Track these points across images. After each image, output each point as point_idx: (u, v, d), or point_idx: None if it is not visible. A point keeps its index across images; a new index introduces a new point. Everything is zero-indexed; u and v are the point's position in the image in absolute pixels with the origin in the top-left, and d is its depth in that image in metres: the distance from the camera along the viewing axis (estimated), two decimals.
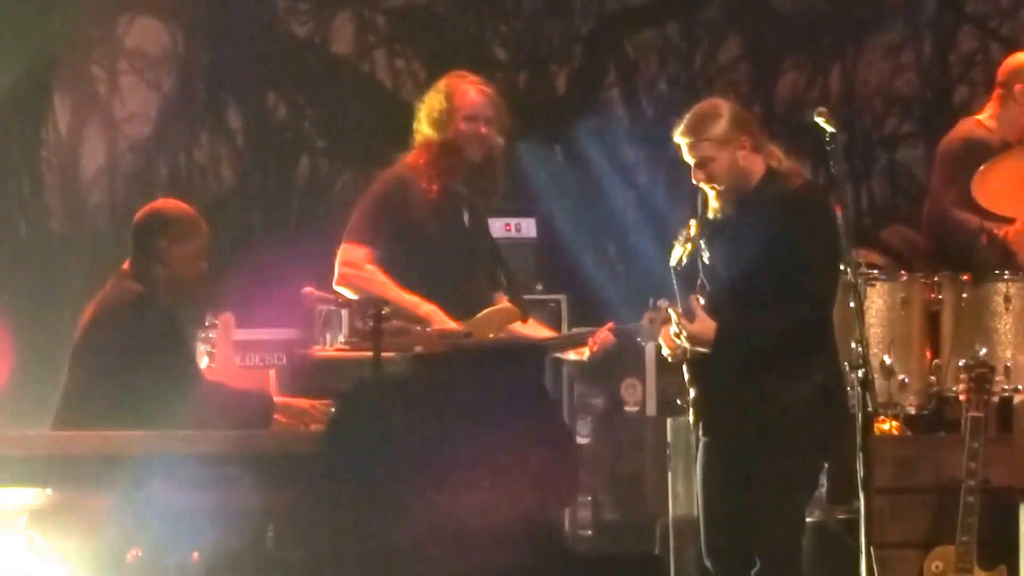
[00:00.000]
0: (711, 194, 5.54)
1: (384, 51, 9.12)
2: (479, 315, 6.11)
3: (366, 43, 9.18)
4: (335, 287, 6.08)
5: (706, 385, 5.55)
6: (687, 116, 5.55)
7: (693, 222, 5.52)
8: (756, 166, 5.54)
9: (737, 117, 5.55)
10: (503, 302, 6.21)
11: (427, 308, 6.02)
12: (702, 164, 5.50)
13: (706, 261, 5.53)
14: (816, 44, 9.09)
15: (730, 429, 5.54)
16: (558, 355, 6.31)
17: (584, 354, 6.17)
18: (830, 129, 5.83)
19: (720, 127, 5.50)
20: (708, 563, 5.62)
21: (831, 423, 5.64)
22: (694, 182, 5.54)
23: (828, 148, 5.99)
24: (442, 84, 6.26)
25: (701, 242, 5.55)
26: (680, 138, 5.53)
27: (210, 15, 8.76)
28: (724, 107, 5.57)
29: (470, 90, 6.22)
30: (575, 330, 6.43)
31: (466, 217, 6.27)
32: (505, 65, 9.05)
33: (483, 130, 6.22)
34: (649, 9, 9.11)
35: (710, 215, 5.55)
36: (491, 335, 6.04)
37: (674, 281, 5.53)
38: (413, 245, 6.14)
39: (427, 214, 6.16)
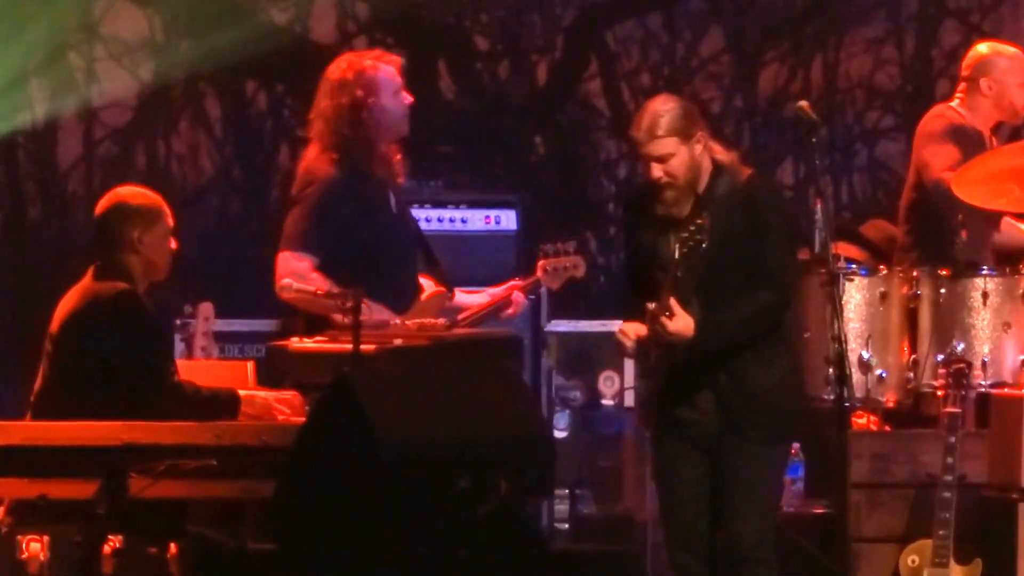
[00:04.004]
0: (666, 190, 5.60)
1: (365, 39, 9.16)
2: (416, 306, 6.15)
3: (347, 31, 9.22)
4: (280, 297, 6.07)
5: (675, 375, 5.62)
6: (646, 112, 5.62)
7: (706, 214, 5.54)
8: (706, 161, 5.65)
9: (692, 113, 5.65)
10: (431, 284, 6.27)
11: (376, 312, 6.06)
12: (662, 160, 5.58)
13: (660, 255, 5.62)
14: (798, 36, 9.15)
15: (700, 418, 5.62)
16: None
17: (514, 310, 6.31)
18: (813, 121, 5.92)
19: (681, 122, 5.58)
20: (679, 559, 5.68)
21: (800, 406, 5.77)
22: (653, 178, 5.58)
23: (810, 141, 6.09)
24: (348, 72, 6.14)
25: (658, 238, 5.64)
26: (640, 134, 5.59)
27: (188, 1, 8.80)
28: (679, 103, 5.67)
29: (380, 66, 6.16)
30: (492, 291, 6.50)
31: (392, 203, 6.27)
32: (486, 55, 9.08)
33: (409, 99, 6.21)
34: (631, 0, 9.17)
35: (659, 211, 5.64)
36: (431, 319, 6.07)
37: (677, 270, 5.51)
38: (353, 247, 6.12)
39: (362, 213, 6.15)
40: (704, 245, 5.46)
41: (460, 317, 6.29)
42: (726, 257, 5.56)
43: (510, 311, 6.37)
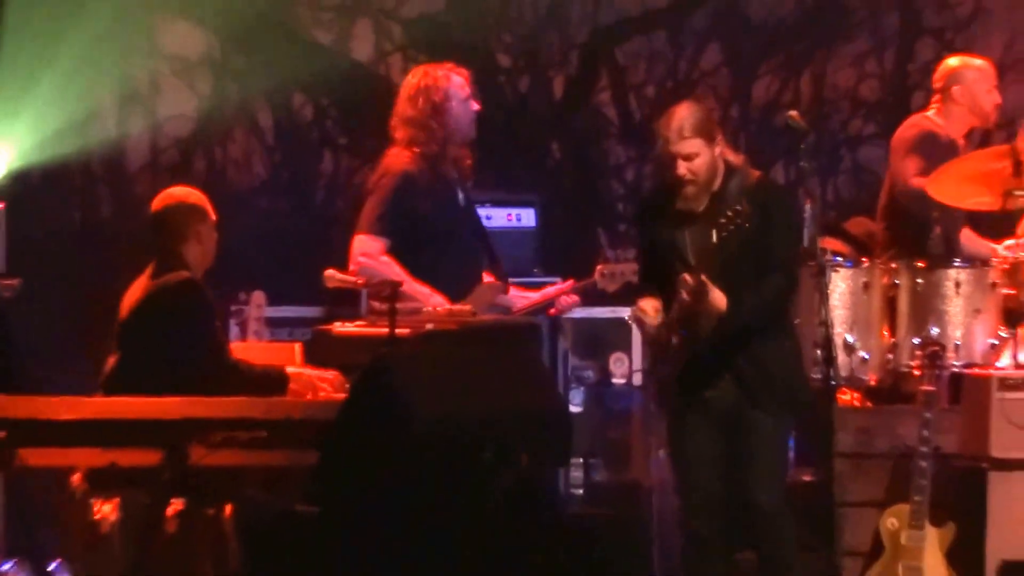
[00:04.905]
0: (687, 187, 5.62)
1: (400, 57, 9.17)
2: (473, 292, 6.18)
3: (383, 49, 9.22)
4: (327, 286, 6.10)
5: (695, 358, 5.62)
6: (675, 115, 5.62)
7: (745, 200, 5.51)
8: (720, 162, 5.66)
9: (713, 118, 5.70)
10: (489, 277, 6.31)
11: (436, 300, 6.09)
12: (688, 158, 5.59)
13: (680, 246, 5.62)
14: (789, 52, 9.13)
15: (719, 394, 5.64)
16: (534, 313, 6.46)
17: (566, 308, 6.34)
18: (803, 128, 5.94)
19: (705, 126, 5.61)
20: (693, 525, 5.70)
21: (804, 381, 5.84)
22: (679, 174, 5.60)
23: (800, 146, 6.10)
24: (424, 80, 6.23)
25: (677, 232, 5.64)
26: (669, 134, 5.60)
27: (243, 22, 8.82)
28: (704, 108, 5.71)
29: (452, 76, 6.23)
30: (546, 290, 6.60)
31: (460, 198, 6.32)
32: (508, 70, 9.10)
33: (476, 107, 6.28)
34: (638, 20, 9.15)
35: (679, 206, 5.64)
36: (485, 307, 6.12)
37: (716, 252, 5.50)
38: (422, 235, 6.19)
39: (433, 206, 6.20)
40: (747, 226, 5.45)
41: (516, 308, 6.35)
42: (739, 249, 5.56)
43: (559, 308, 6.45)
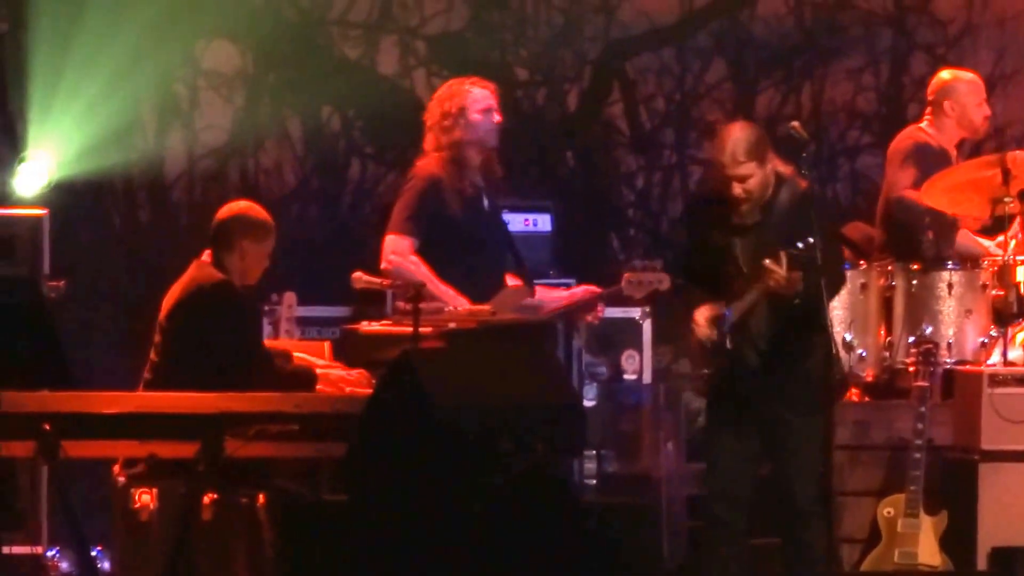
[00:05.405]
0: (743, 204, 5.63)
1: (423, 71, 9.16)
2: (498, 295, 6.17)
3: (408, 64, 9.22)
4: (383, 271, 6.16)
5: (739, 358, 5.61)
6: (728, 139, 5.61)
7: (818, 237, 5.51)
8: (772, 176, 5.66)
9: (764, 138, 5.71)
10: (514, 281, 6.30)
11: (459, 301, 6.08)
12: (743, 179, 5.59)
13: (733, 254, 5.62)
14: (789, 67, 9.13)
15: (756, 393, 5.63)
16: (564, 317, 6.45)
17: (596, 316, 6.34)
18: (803, 138, 5.92)
19: (758, 148, 5.62)
20: (715, 510, 5.67)
21: (835, 382, 5.80)
22: (735, 195, 5.60)
23: (801, 155, 6.08)
24: (446, 92, 6.28)
25: (730, 240, 5.63)
26: (724, 158, 5.59)
27: (275, 40, 8.83)
28: (755, 131, 5.72)
29: (474, 88, 6.26)
30: (574, 290, 6.60)
31: (485, 204, 6.33)
32: (525, 83, 9.10)
33: (498, 118, 6.30)
34: (647, 37, 9.15)
35: (733, 220, 5.64)
36: (510, 310, 6.12)
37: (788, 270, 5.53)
38: (448, 236, 6.21)
39: (458, 208, 6.22)
40: (818, 263, 5.46)
41: (545, 310, 6.36)
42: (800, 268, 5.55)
43: (589, 317, 6.45)
